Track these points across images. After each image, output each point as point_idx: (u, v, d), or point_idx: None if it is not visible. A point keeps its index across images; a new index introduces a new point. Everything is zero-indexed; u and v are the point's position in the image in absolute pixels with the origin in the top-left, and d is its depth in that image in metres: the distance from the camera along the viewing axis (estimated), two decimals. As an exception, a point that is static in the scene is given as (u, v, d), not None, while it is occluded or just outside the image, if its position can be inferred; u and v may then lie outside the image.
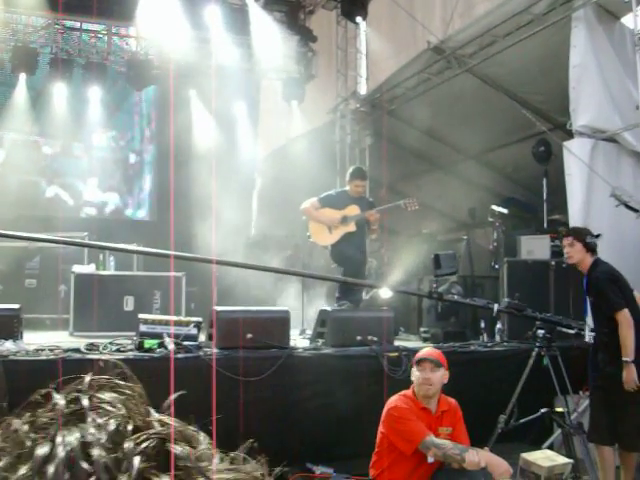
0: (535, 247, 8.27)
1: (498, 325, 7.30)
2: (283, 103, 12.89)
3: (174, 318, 5.96)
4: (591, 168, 7.39)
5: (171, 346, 5.33)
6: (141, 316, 5.83)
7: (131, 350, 5.47)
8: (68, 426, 0.74)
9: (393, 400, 4.33)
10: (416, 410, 4.25)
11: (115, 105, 13.78)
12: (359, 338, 6.19)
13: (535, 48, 8.32)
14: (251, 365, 5.45)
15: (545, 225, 9.29)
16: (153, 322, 5.72)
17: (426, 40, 9.40)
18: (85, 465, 0.69)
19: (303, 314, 8.19)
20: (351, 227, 7.26)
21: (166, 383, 4.48)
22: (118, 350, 5.47)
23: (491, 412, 5.64)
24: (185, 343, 5.54)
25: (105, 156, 14.17)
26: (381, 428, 4.31)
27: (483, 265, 9.20)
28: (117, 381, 0.81)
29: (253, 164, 14.63)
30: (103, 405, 0.77)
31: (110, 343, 5.62)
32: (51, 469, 0.68)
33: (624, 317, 5.17)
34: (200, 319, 6.06)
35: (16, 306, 6.08)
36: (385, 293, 7.94)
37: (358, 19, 10.99)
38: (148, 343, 5.42)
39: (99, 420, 0.74)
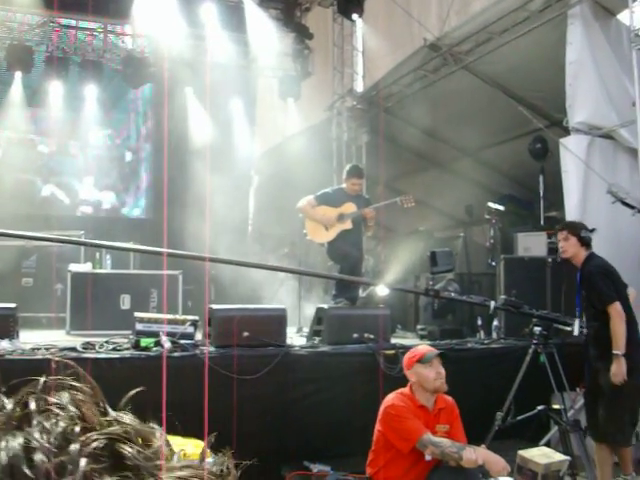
0: (532, 244, 8.27)
1: (495, 322, 7.29)
2: (279, 101, 12.87)
3: (170, 316, 5.93)
4: (587, 165, 7.39)
5: (167, 345, 5.32)
6: (137, 315, 5.82)
7: (127, 349, 5.46)
8: (14, 431, 0.71)
9: (390, 398, 4.32)
10: (413, 408, 4.24)
11: (111, 103, 13.74)
12: (356, 336, 6.18)
13: (531, 45, 8.31)
14: (248, 363, 5.44)
15: (542, 222, 9.28)
16: (149, 320, 5.71)
17: (422, 37, 9.38)
18: (27, 471, 0.67)
19: (300, 312, 8.19)
20: (347, 225, 7.25)
21: (162, 381, 4.44)
22: (114, 349, 5.46)
23: (488, 409, 5.64)
24: (181, 341, 5.52)
25: (101, 154, 14.14)
26: (378, 426, 4.31)
27: (480, 262, 9.21)
28: (71, 382, 0.79)
29: (250, 162, 14.61)
30: (52, 407, 0.74)
31: (106, 342, 5.61)
32: None
33: (616, 310, 5.18)
34: (197, 317, 6.05)
35: (12, 305, 6.05)
36: (382, 290, 7.94)
37: (354, 16, 10.95)
38: (144, 342, 5.41)
39: (46, 423, 0.71)
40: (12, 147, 13.12)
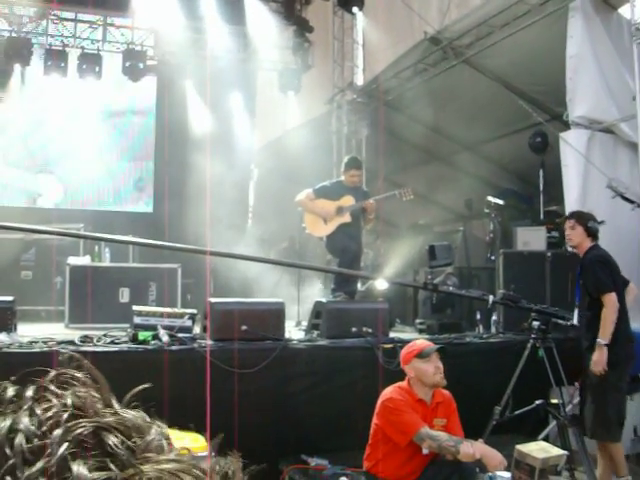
0: (531, 238, 8.26)
1: (494, 317, 7.29)
2: (280, 94, 12.85)
3: (168, 310, 5.92)
4: (587, 159, 7.37)
5: (165, 338, 5.31)
6: (135, 308, 5.81)
7: (125, 342, 5.45)
8: (7, 415, 0.74)
9: (388, 391, 4.32)
10: (411, 402, 4.24)
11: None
12: (354, 330, 6.17)
13: (532, 39, 8.28)
14: (246, 357, 5.44)
15: (541, 216, 9.27)
16: (147, 314, 5.70)
17: (423, 30, 9.36)
18: (7, 450, 0.70)
19: (299, 306, 8.18)
20: (346, 218, 7.23)
21: (160, 375, 4.47)
22: (112, 342, 5.45)
23: (486, 404, 5.64)
24: (179, 335, 5.51)
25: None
26: (375, 420, 4.31)
27: (479, 256, 9.20)
28: (74, 374, 0.81)
29: (250, 155, 14.59)
30: (47, 395, 0.77)
31: (104, 335, 5.60)
32: None
33: (610, 300, 5.19)
34: (195, 311, 6.04)
35: (10, 298, 6.05)
36: (381, 284, 7.93)
37: (354, 9, 10.92)
38: (142, 335, 5.40)
39: (37, 409, 0.74)
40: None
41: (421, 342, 4.56)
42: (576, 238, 5.49)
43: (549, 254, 7.54)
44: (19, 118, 12.58)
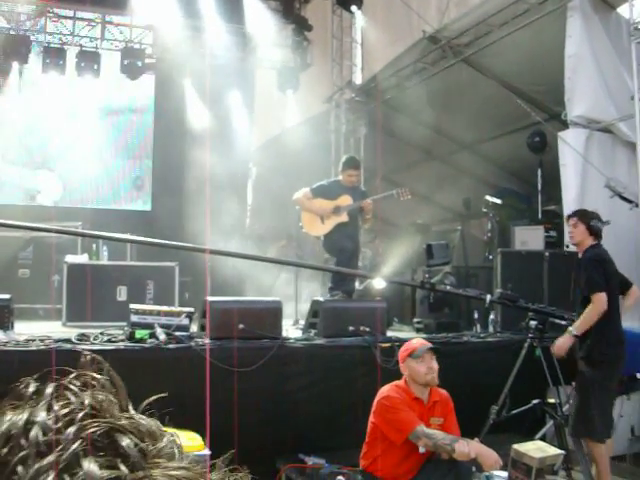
0: (529, 238, 8.26)
1: (491, 316, 7.28)
2: (278, 92, 12.85)
3: (165, 308, 5.91)
4: (586, 159, 7.37)
5: (162, 337, 5.30)
6: (132, 306, 5.79)
7: (122, 340, 5.44)
8: (26, 409, 0.78)
9: (385, 390, 4.32)
10: (408, 400, 4.24)
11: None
12: (352, 329, 6.16)
13: (531, 38, 8.28)
14: (243, 356, 5.42)
15: (539, 216, 9.27)
16: (144, 312, 5.69)
17: (421, 29, 9.36)
18: (22, 441, 0.73)
19: (297, 304, 8.17)
20: (343, 217, 7.22)
21: (157, 373, 4.47)
22: (109, 340, 5.43)
23: (483, 403, 5.64)
24: (176, 333, 5.50)
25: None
26: (372, 418, 4.31)
27: (477, 256, 9.20)
28: (95, 375, 0.83)
29: (248, 153, 14.58)
30: (66, 393, 0.80)
31: (101, 333, 5.58)
32: None
33: (599, 300, 5.19)
34: (192, 309, 6.03)
35: (7, 296, 6.03)
36: (378, 283, 7.92)
37: (353, 8, 10.92)
38: (139, 333, 5.39)
39: (55, 406, 0.77)
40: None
41: (416, 341, 4.56)
42: (578, 236, 5.49)
43: (547, 253, 7.53)
44: (17, 116, 12.55)
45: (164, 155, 13.13)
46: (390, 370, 5.37)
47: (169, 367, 5.24)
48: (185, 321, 5.76)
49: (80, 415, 0.75)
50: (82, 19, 11.98)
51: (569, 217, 5.66)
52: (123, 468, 0.72)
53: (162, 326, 5.54)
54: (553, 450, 4.66)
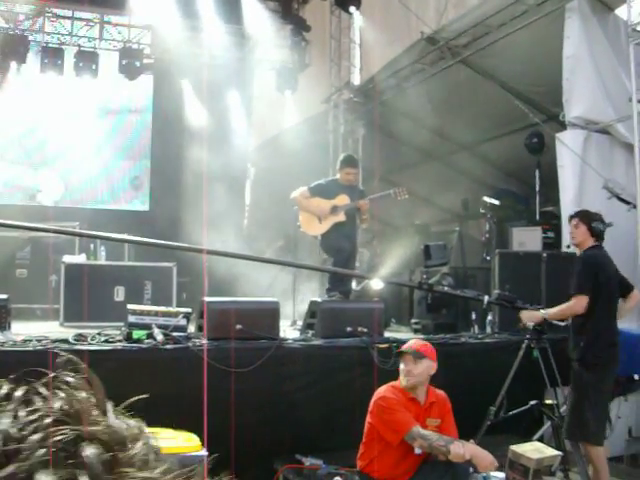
0: (527, 239, 8.27)
1: (489, 317, 7.28)
2: (276, 93, 12.84)
3: (163, 309, 5.91)
4: (583, 160, 7.38)
5: (159, 337, 5.30)
6: (130, 307, 5.79)
7: (119, 341, 5.43)
8: None
9: (381, 390, 4.32)
10: (404, 401, 4.24)
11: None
12: (349, 329, 6.15)
13: (529, 39, 8.28)
14: (240, 356, 5.42)
15: (537, 217, 9.27)
16: (142, 313, 5.68)
17: (420, 30, 9.37)
18: None
19: (294, 305, 8.17)
20: (341, 217, 7.20)
21: (154, 374, 4.46)
22: (107, 341, 5.42)
23: (481, 404, 5.64)
24: (174, 334, 5.50)
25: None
26: (369, 419, 4.31)
27: (475, 256, 9.20)
28: (69, 377, 0.79)
29: (246, 154, 14.57)
30: (35, 398, 0.75)
31: (98, 334, 5.58)
32: None
33: (579, 302, 5.22)
34: (189, 310, 6.03)
35: (4, 296, 6.02)
36: (376, 284, 7.93)
37: (352, 9, 10.92)
38: (136, 334, 5.39)
39: (21, 412, 0.72)
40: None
41: (409, 342, 4.57)
42: (578, 237, 5.50)
43: (545, 254, 7.53)
44: (15, 116, 12.54)
45: (162, 155, 13.11)
46: (387, 371, 5.37)
47: (166, 368, 5.24)
48: (183, 322, 5.76)
49: (47, 421, 0.71)
50: (80, 19, 11.96)
51: (571, 217, 5.66)
52: None
53: (159, 326, 5.54)
54: (550, 451, 4.67)
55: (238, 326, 5.63)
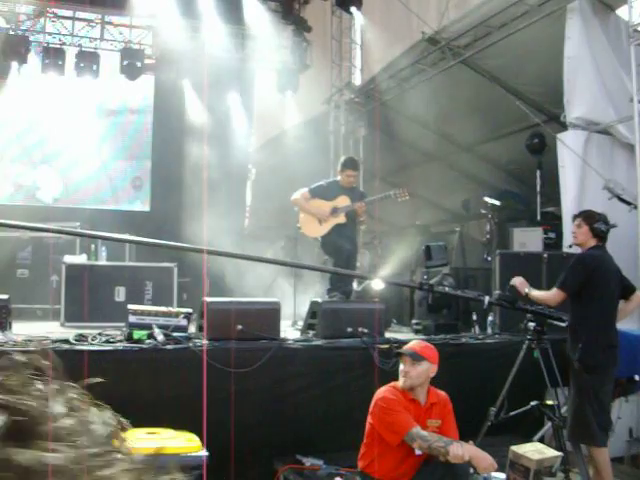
0: (528, 239, 8.26)
1: (490, 317, 7.28)
2: (277, 93, 12.85)
3: (163, 309, 5.91)
4: (584, 160, 7.38)
5: (160, 337, 5.30)
6: (130, 307, 5.79)
7: (120, 341, 5.43)
8: None
9: (382, 391, 4.32)
10: (404, 402, 4.24)
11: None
12: (350, 330, 6.15)
13: (530, 39, 8.28)
14: (241, 356, 5.42)
15: (538, 217, 9.26)
16: (142, 313, 5.68)
17: (421, 31, 9.36)
18: None
19: (295, 305, 8.17)
20: (341, 218, 7.19)
21: (155, 374, 4.46)
22: (107, 341, 5.42)
23: (482, 404, 5.64)
24: (175, 334, 5.50)
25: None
26: (369, 419, 4.31)
27: (476, 257, 9.19)
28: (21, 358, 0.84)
29: (247, 154, 14.58)
30: None
31: (99, 334, 5.58)
32: None
33: (555, 297, 5.38)
34: (190, 310, 6.03)
35: (5, 296, 6.03)
36: (377, 285, 7.92)
37: (353, 9, 10.92)
38: (137, 334, 5.39)
39: None
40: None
41: (409, 343, 4.57)
42: (580, 236, 5.51)
43: (545, 255, 7.52)
44: (16, 116, 12.56)
45: (163, 156, 13.13)
46: (388, 371, 5.37)
47: (167, 368, 5.24)
48: (183, 322, 5.76)
49: None
50: (81, 19, 11.97)
51: (575, 217, 5.68)
52: None
53: (160, 327, 5.54)
54: (551, 452, 4.67)
55: (239, 326, 5.63)
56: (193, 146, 12.09)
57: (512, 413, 5.56)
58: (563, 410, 5.54)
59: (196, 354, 5.25)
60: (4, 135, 12.81)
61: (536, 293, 5.54)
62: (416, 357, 4.29)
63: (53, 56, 11.35)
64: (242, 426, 5.20)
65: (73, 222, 9.88)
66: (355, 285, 8.20)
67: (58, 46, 11.61)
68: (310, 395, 5.76)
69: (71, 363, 4.71)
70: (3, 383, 0.79)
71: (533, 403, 5.58)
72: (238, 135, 13.59)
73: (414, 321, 7.93)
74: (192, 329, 6.10)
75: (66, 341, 5.30)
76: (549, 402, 5.62)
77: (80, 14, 11.94)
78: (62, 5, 11.62)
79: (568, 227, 6.28)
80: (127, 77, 11.99)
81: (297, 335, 6.63)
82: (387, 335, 6.62)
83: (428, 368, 4.30)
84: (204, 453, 4.31)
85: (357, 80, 12.21)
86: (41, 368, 0.84)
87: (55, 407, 0.81)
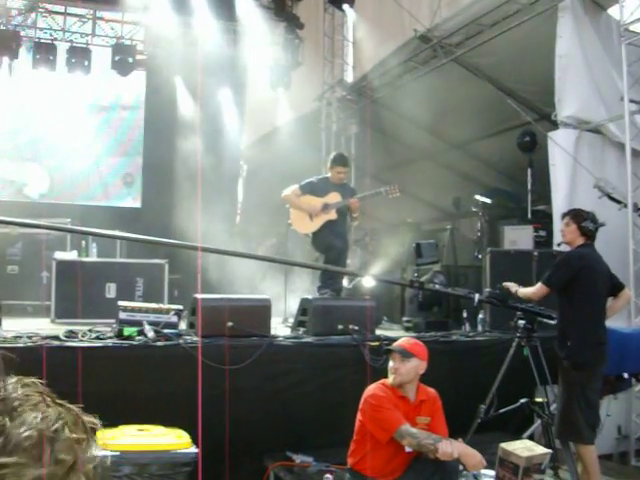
0: (518, 237, 8.28)
1: (480, 315, 7.30)
2: (269, 90, 12.83)
3: (154, 306, 5.90)
4: (575, 159, 7.40)
5: (150, 334, 5.29)
6: (121, 303, 5.78)
7: (110, 338, 5.42)
8: None
9: (371, 388, 4.32)
10: (394, 399, 4.24)
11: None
12: (340, 327, 6.15)
13: (521, 38, 8.30)
14: (231, 353, 5.41)
15: (529, 215, 9.29)
16: (133, 309, 5.68)
17: (413, 29, 9.37)
18: None
19: (286, 302, 8.16)
20: (332, 215, 7.18)
21: (145, 371, 4.46)
22: (98, 338, 5.40)
23: (471, 402, 5.65)
24: (165, 331, 5.49)
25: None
26: (359, 416, 4.31)
27: (467, 255, 9.21)
28: None
29: (239, 151, 14.56)
30: None
31: (90, 330, 5.57)
32: None
33: (538, 292, 5.45)
34: (180, 307, 6.02)
35: (-6, 293, 6.01)
36: (368, 282, 7.93)
37: (345, 7, 10.93)
38: (127, 331, 5.38)
39: None
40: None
41: (399, 340, 4.57)
42: (569, 235, 5.54)
43: (536, 253, 7.55)
44: (6, 111, 12.50)
45: (154, 152, 13.08)
46: (379, 369, 5.37)
47: (157, 365, 5.23)
48: (174, 319, 5.76)
49: None
50: (73, 15, 11.92)
51: (563, 216, 5.72)
52: None
53: (151, 323, 5.53)
54: (540, 449, 4.67)
55: (229, 323, 5.62)
56: (185, 142, 12.05)
57: (502, 410, 5.58)
58: (552, 407, 5.57)
59: (186, 351, 5.24)
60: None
61: (522, 290, 5.60)
62: (405, 354, 4.30)
63: (44, 51, 11.31)
64: (232, 423, 5.20)
65: (64, 218, 9.83)
66: (346, 282, 8.20)
67: (49, 41, 11.57)
68: (301, 392, 5.77)
69: (61, 360, 4.72)
70: None
71: (523, 400, 5.60)
72: (230, 132, 13.55)
73: (405, 318, 7.95)
74: (183, 326, 6.10)
75: (56, 337, 5.28)
76: (538, 399, 5.64)
77: (71, 9, 11.90)
78: (53, 0, 11.58)
79: (559, 225, 6.30)
80: (119, 73, 11.96)
81: (288, 332, 6.64)
82: (378, 332, 6.63)
83: (417, 365, 4.31)
84: (194, 450, 4.32)
85: (349, 77, 12.21)
86: None
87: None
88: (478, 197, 8.60)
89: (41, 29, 11.71)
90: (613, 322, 5.81)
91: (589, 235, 5.48)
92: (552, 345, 5.53)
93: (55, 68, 11.50)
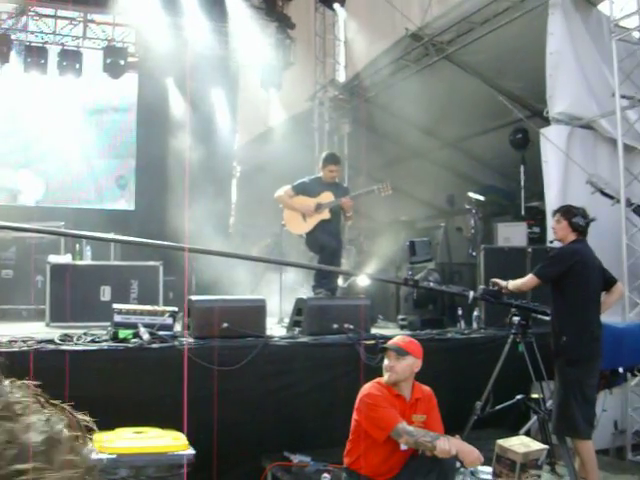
0: (512, 234, 8.30)
1: (475, 312, 7.31)
2: (261, 91, 12.82)
3: (149, 308, 5.89)
4: (567, 155, 7.41)
5: (145, 336, 5.29)
6: (115, 306, 5.78)
7: (106, 341, 5.42)
8: None
9: (367, 387, 4.33)
10: (390, 397, 4.24)
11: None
12: (336, 326, 6.16)
13: (512, 35, 8.31)
14: (227, 354, 5.42)
15: (522, 212, 9.31)
16: (127, 312, 5.68)
17: (404, 27, 9.37)
18: None
19: (281, 303, 8.16)
20: (325, 214, 7.16)
21: (141, 373, 4.46)
22: (93, 341, 5.40)
23: (468, 399, 5.65)
24: (160, 333, 5.49)
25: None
26: (355, 415, 4.31)
27: (461, 252, 9.22)
28: None
29: (232, 152, 14.55)
30: None
31: (85, 334, 5.57)
32: None
33: (528, 282, 5.52)
34: (175, 309, 6.02)
35: (-11, 297, 6.00)
36: (363, 281, 7.93)
37: (336, 6, 10.93)
38: (123, 333, 5.38)
39: None
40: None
41: (394, 338, 4.58)
42: (560, 232, 5.57)
43: (530, 250, 7.57)
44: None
45: (147, 154, 13.06)
46: (374, 367, 5.38)
47: (153, 367, 5.23)
48: (169, 320, 5.76)
49: None
50: (64, 18, 11.91)
51: (554, 213, 5.74)
52: None
53: (146, 326, 5.53)
54: (537, 445, 4.68)
55: (224, 324, 5.63)
56: (177, 144, 12.04)
57: (498, 407, 5.59)
58: (548, 403, 5.58)
59: (182, 352, 5.24)
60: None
61: (512, 282, 5.63)
62: (401, 352, 4.30)
63: (35, 55, 11.29)
64: (229, 424, 5.21)
65: (57, 222, 9.81)
66: (340, 281, 8.19)
67: (40, 45, 11.56)
68: (297, 392, 5.77)
69: (56, 363, 4.71)
70: None
71: (519, 397, 5.61)
72: (222, 132, 13.54)
73: (400, 317, 7.95)
74: (178, 328, 6.09)
75: (51, 341, 5.27)
76: (534, 396, 5.65)
77: (62, 12, 11.89)
78: (44, 3, 11.56)
79: (552, 222, 6.31)
80: (110, 75, 11.95)
81: (283, 332, 6.64)
82: (373, 331, 6.63)
83: (413, 363, 4.31)
84: (191, 452, 4.31)
85: (341, 77, 12.22)
86: None
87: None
88: (472, 194, 8.62)
89: (32, 32, 11.69)
90: (608, 317, 5.83)
91: (580, 231, 5.50)
92: (547, 341, 5.54)
93: (46, 71, 11.49)
